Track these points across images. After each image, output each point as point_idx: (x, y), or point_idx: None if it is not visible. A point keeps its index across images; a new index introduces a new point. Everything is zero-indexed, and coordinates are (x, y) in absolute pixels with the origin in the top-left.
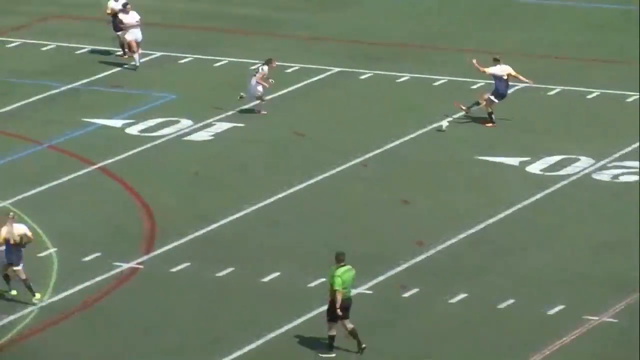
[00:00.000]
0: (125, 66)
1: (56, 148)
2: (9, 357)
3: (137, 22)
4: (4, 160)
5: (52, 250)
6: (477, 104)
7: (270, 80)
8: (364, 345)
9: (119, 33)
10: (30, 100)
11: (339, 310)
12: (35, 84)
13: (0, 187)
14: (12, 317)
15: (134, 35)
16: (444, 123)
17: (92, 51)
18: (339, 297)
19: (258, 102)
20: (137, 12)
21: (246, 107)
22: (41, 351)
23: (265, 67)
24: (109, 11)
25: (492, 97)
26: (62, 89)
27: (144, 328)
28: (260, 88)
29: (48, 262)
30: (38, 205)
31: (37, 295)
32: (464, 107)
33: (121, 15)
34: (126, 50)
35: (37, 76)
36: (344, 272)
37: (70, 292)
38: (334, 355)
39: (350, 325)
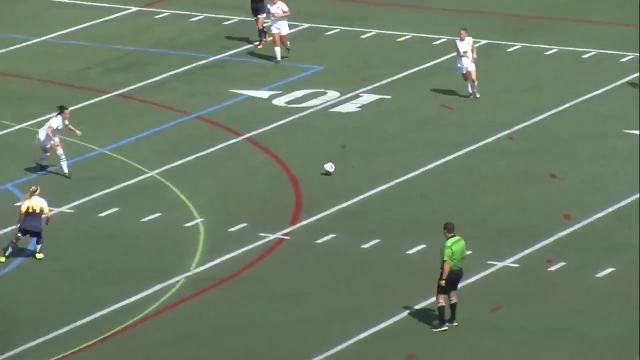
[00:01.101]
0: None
1: (204, 119)
2: (155, 325)
3: (284, 13)
4: (152, 131)
5: (199, 220)
6: None
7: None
8: (455, 323)
9: (264, 26)
10: (179, 71)
11: (443, 282)
12: (183, 54)
13: (148, 157)
14: (158, 286)
15: (278, 28)
16: (329, 165)
17: (240, 22)
18: (446, 268)
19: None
20: None
21: (393, 78)
22: (187, 320)
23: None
24: None
25: None
26: (210, 59)
27: (288, 299)
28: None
29: (195, 232)
30: (185, 175)
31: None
32: None
33: (268, 6)
34: (264, 39)
35: (185, 47)
36: (454, 243)
37: (217, 262)
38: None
39: (454, 299)
